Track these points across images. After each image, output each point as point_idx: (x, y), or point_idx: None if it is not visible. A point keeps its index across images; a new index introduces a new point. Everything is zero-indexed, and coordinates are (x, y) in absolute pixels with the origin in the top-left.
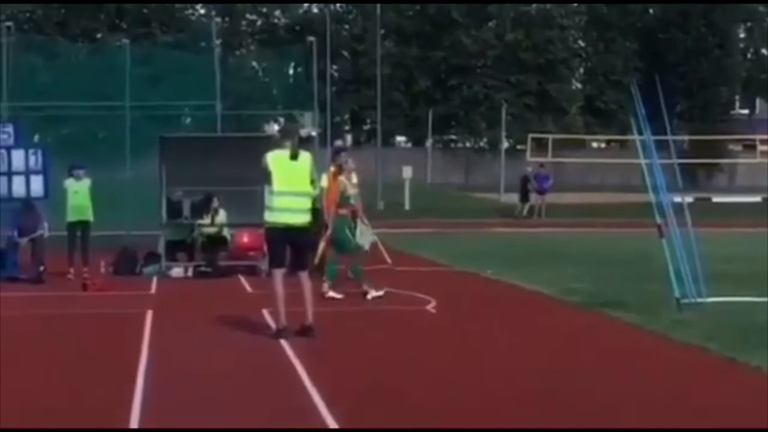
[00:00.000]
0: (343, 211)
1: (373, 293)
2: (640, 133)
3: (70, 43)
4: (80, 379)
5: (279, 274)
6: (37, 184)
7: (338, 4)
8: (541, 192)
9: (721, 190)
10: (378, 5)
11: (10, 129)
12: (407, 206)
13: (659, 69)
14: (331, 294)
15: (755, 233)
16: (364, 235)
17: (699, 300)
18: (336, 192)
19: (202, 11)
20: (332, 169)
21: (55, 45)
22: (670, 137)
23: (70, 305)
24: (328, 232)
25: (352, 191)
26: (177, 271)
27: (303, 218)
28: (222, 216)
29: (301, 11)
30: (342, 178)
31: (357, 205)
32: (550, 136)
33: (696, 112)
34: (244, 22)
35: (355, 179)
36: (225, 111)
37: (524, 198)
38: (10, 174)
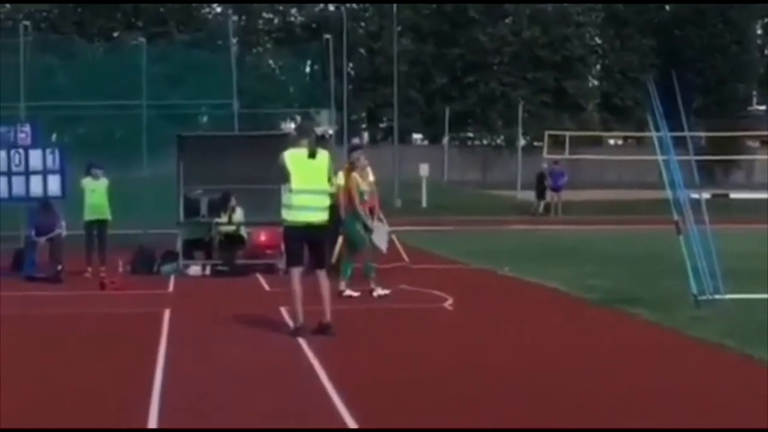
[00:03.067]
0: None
1: (379, 291)
2: (657, 129)
3: (86, 43)
4: (98, 378)
5: (296, 272)
6: (54, 184)
7: (354, 3)
8: (556, 189)
9: (739, 186)
10: (394, 3)
11: (27, 129)
12: (424, 204)
13: (676, 65)
14: (349, 292)
15: None
16: (380, 234)
17: (716, 297)
18: (353, 188)
19: (219, 10)
20: (346, 166)
21: (71, 44)
22: (687, 134)
23: (88, 304)
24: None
25: (364, 187)
26: (194, 270)
27: (321, 216)
28: (239, 214)
29: (317, 9)
30: (355, 174)
31: (373, 201)
32: (567, 133)
33: (713, 109)
34: (260, 21)
35: (371, 177)
36: (242, 109)
37: (540, 195)
38: (27, 173)
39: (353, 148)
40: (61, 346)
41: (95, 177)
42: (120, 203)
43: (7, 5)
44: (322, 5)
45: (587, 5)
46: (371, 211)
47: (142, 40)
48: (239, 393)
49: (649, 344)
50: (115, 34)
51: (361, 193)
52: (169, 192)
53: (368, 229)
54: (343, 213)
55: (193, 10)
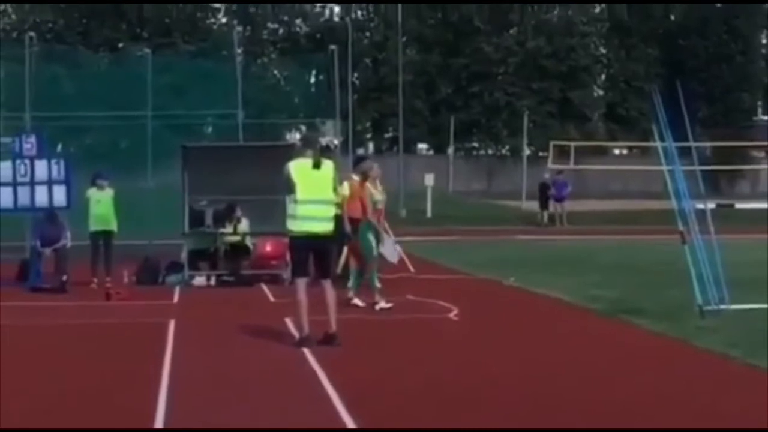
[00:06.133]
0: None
1: (382, 304)
2: (662, 139)
3: (92, 53)
4: (104, 387)
5: (302, 283)
6: (59, 194)
7: (359, 13)
8: (559, 199)
9: (744, 196)
10: (399, 11)
11: (32, 139)
12: (429, 214)
13: (681, 75)
14: (356, 301)
15: None
16: (388, 247)
17: (722, 307)
18: (367, 198)
19: (224, 20)
20: (356, 177)
21: (77, 55)
22: (692, 144)
23: (93, 315)
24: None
25: (378, 197)
26: (199, 281)
27: (327, 226)
28: (244, 225)
29: (322, 20)
30: (367, 184)
31: (381, 212)
32: (572, 143)
33: (718, 119)
34: (265, 31)
35: (379, 186)
36: (247, 120)
37: (544, 205)
38: (32, 184)
39: (360, 159)
40: (66, 356)
41: (100, 188)
42: (125, 214)
43: (13, 16)
44: (327, 15)
45: (592, 14)
46: (378, 221)
47: (147, 50)
48: (244, 402)
49: (653, 354)
50: (120, 45)
51: (375, 203)
52: (174, 202)
53: (379, 240)
54: (347, 223)
55: (198, 21)
